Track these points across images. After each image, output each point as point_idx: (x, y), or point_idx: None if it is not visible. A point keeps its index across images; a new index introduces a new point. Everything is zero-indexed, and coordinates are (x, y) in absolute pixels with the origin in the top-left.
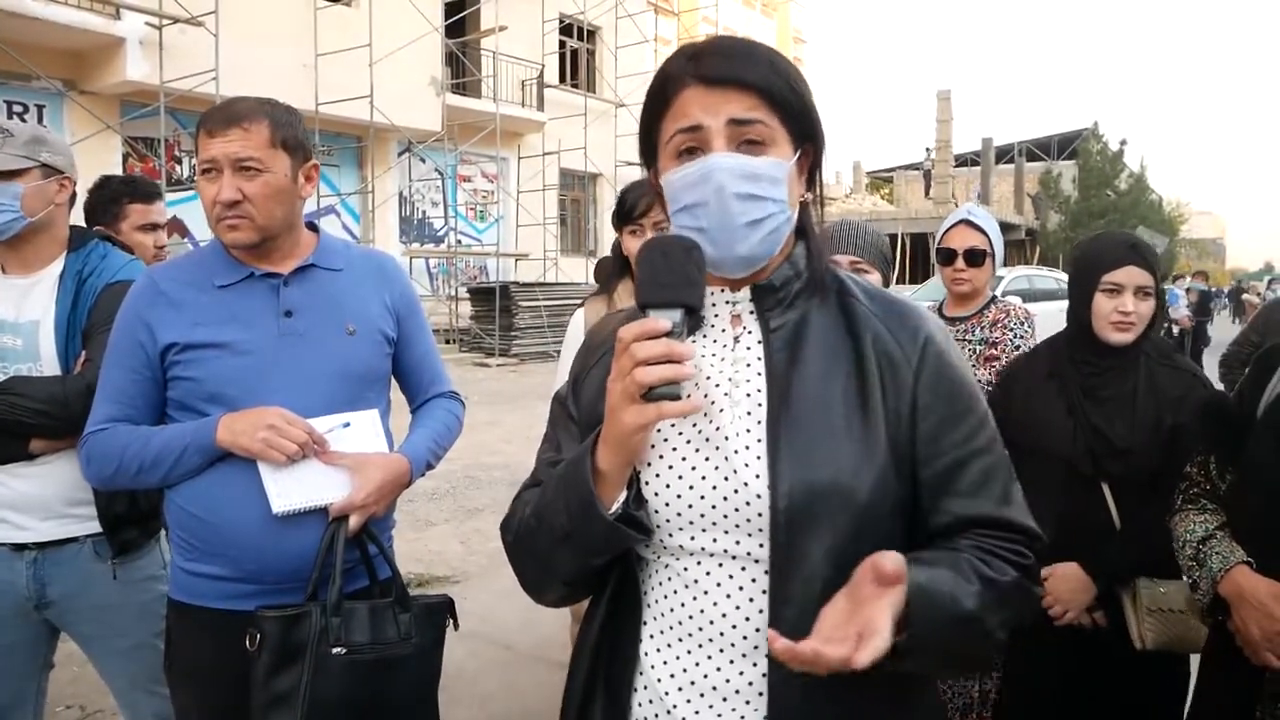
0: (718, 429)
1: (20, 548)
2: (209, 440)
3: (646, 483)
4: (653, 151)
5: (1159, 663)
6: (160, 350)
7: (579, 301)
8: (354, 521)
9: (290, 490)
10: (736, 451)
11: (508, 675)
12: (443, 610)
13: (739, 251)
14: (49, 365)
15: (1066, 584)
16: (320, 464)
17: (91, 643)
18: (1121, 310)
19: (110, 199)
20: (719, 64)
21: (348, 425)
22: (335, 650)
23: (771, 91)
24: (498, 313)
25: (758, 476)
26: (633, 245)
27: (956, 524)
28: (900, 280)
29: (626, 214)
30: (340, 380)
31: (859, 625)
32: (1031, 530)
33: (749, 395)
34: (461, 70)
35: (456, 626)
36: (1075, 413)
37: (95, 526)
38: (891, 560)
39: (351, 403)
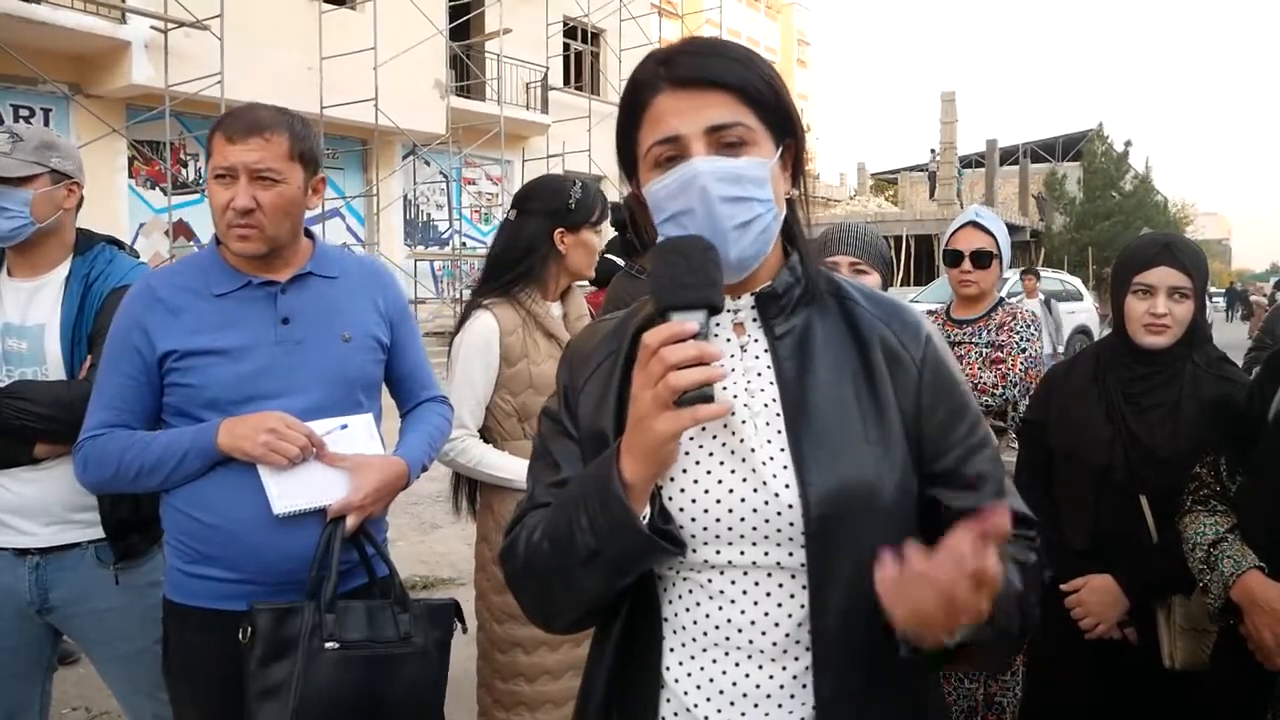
0: (741, 440)
1: (23, 553)
2: (209, 444)
3: (670, 497)
4: (632, 163)
5: (1189, 679)
6: (158, 357)
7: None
8: (351, 521)
9: (290, 492)
10: (763, 463)
11: None
12: (447, 612)
13: (731, 255)
14: (54, 369)
15: (1098, 596)
16: (319, 466)
17: (94, 647)
18: (1153, 313)
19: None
20: (691, 64)
21: (345, 427)
22: (328, 645)
23: (747, 89)
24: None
25: (787, 486)
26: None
27: (959, 517)
28: (905, 282)
29: (584, 215)
30: (336, 386)
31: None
32: (1029, 518)
33: (765, 405)
34: (466, 73)
35: (465, 629)
36: (1114, 420)
37: (98, 532)
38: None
39: (346, 408)
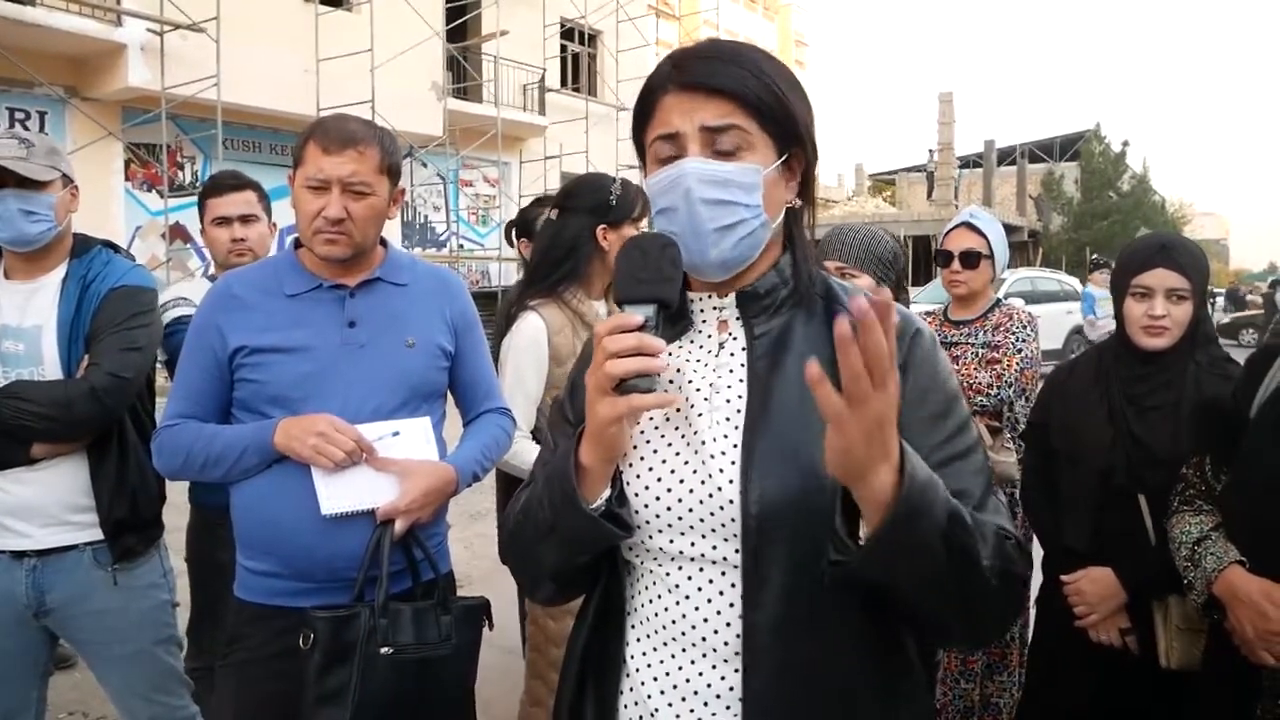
0: (696, 433)
1: (20, 555)
2: (266, 442)
3: (628, 483)
4: (643, 156)
5: (1185, 679)
6: (230, 353)
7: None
8: (399, 526)
9: (339, 493)
10: (713, 456)
11: (512, 680)
12: (480, 612)
13: (711, 256)
14: (51, 370)
15: (1096, 586)
16: (369, 469)
17: (90, 649)
18: (1150, 315)
19: (200, 201)
20: (698, 68)
21: (397, 434)
22: (383, 650)
23: (747, 97)
24: (500, 316)
25: (731, 482)
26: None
27: None
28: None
29: (625, 211)
30: (396, 390)
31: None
32: (1008, 532)
33: (729, 401)
34: (463, 75)
35: (491, 627)
36: (1116, 420)
37: (95, 533)
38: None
39: (406, 412)
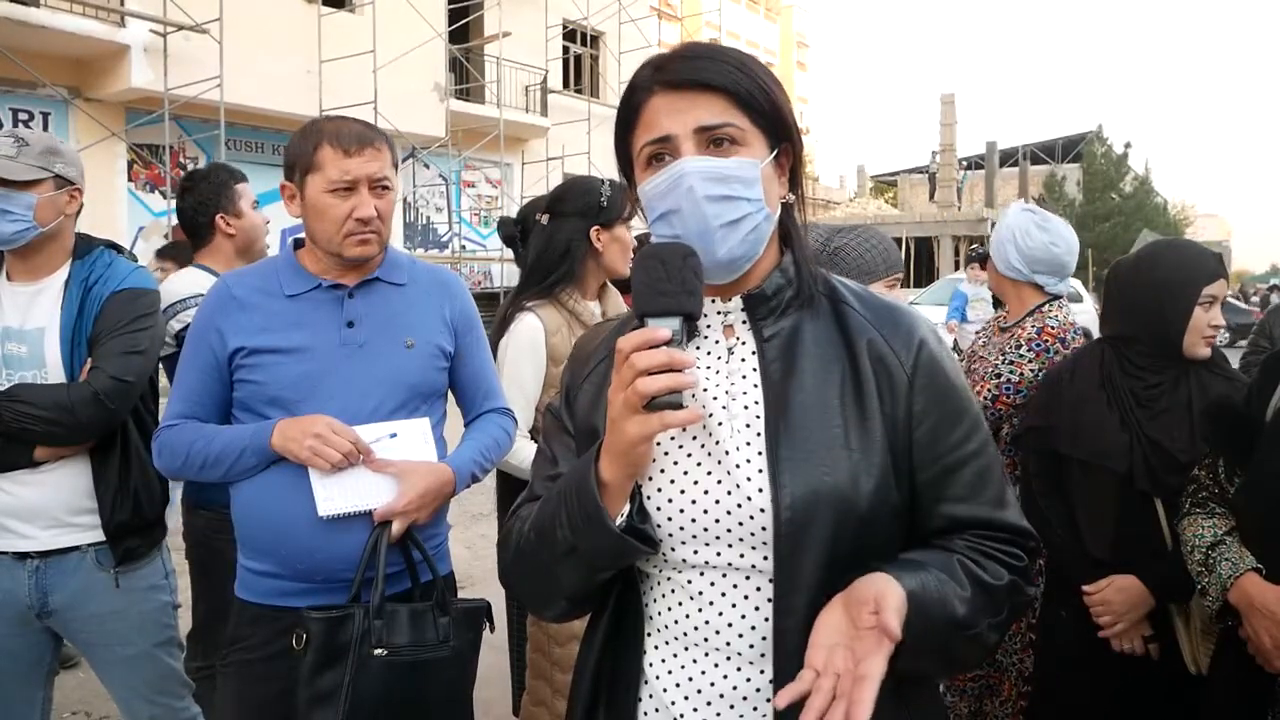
0: (717, 442)
1: (22, 556)
2: (264, 443)
3: (648, 497)
4: (629, 164)
5: (1196, 682)
6: (229, 354)
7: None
8: (396, 527)
9: (336, 495)
10: (738, 465)
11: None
12: (479, 614)
13: (719, 255)
14: (54, 372)
15: (1122, 595)
16: (367, 471)
17: (93, 651)
18: (1214, 324)
19: (220, 184)
20: (684, 68)
21: (394, 436)
22: (376, 651)
23: (738, 92)
24: (497, 319)
25: (760, 490)
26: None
27: (951, 526)
28: (905, 284)
29: (617, 211)
30: (395, 391)
31: (857, 658)
32: (1025, 531)
33: (746, 407)
34: (465, 76)
35: (493, 629)
36: (1129, 425)
37: (98, 535)
38: (895, 615)
39: (405, 413)
